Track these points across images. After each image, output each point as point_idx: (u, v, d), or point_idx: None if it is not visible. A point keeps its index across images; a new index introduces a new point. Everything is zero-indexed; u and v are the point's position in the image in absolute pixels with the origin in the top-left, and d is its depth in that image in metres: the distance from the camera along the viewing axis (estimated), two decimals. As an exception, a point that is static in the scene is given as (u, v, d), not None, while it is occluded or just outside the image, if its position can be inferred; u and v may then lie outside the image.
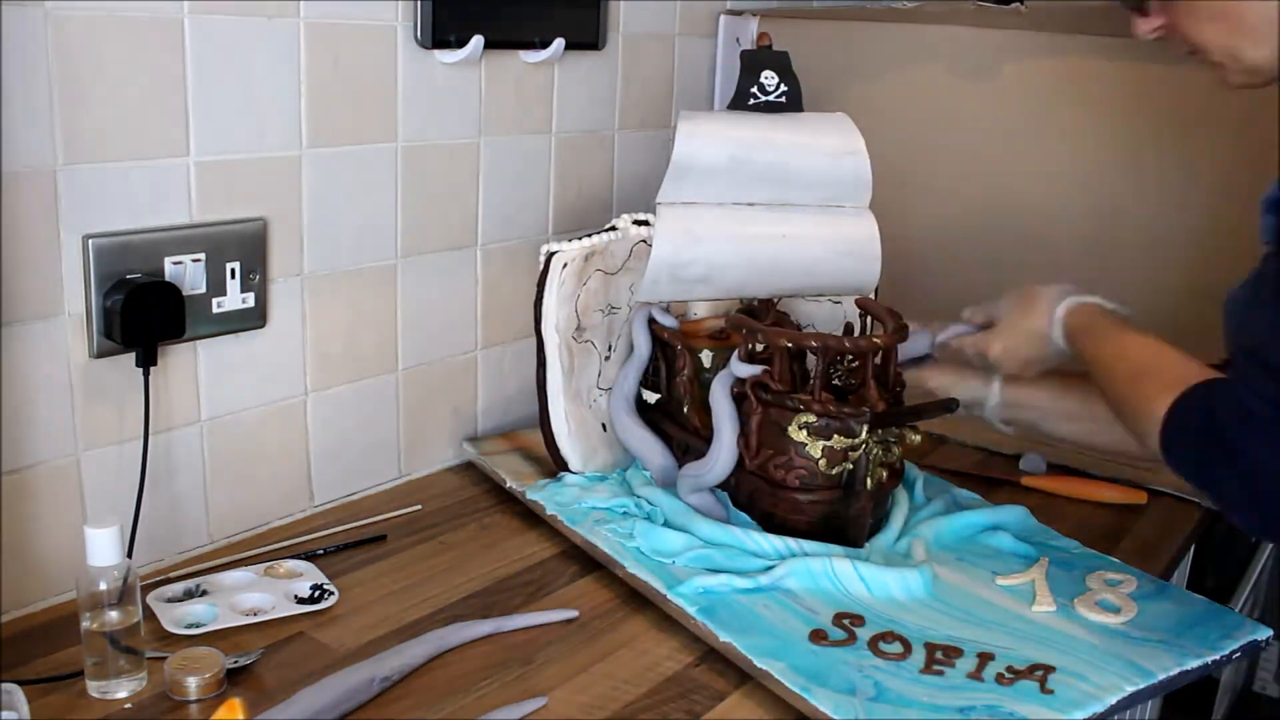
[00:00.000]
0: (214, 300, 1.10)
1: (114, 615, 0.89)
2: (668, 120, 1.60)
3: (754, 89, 1.21)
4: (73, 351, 1.01)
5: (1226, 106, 1.30)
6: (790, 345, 1.13)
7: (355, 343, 1.26)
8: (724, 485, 1.19)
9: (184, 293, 1.05)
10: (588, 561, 1.16)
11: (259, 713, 0.88)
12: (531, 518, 1.25)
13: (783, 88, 1.21)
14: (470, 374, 1.41)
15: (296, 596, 1.06)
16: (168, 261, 1.05)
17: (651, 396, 1.29)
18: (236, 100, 1.08)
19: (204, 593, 1.06)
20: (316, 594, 1.06)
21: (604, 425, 1.31)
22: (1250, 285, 1.00)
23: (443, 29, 1.23)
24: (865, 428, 1.10)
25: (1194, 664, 0.99)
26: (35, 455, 1.00)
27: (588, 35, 1.42)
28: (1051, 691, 0.94)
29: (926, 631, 1.02)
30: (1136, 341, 1.04)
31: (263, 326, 1.15)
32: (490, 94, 1.33)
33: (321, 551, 1.16)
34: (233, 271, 1.11)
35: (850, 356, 1.16)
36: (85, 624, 0.90)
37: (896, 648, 1.00)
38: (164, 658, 0.93)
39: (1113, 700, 0.94)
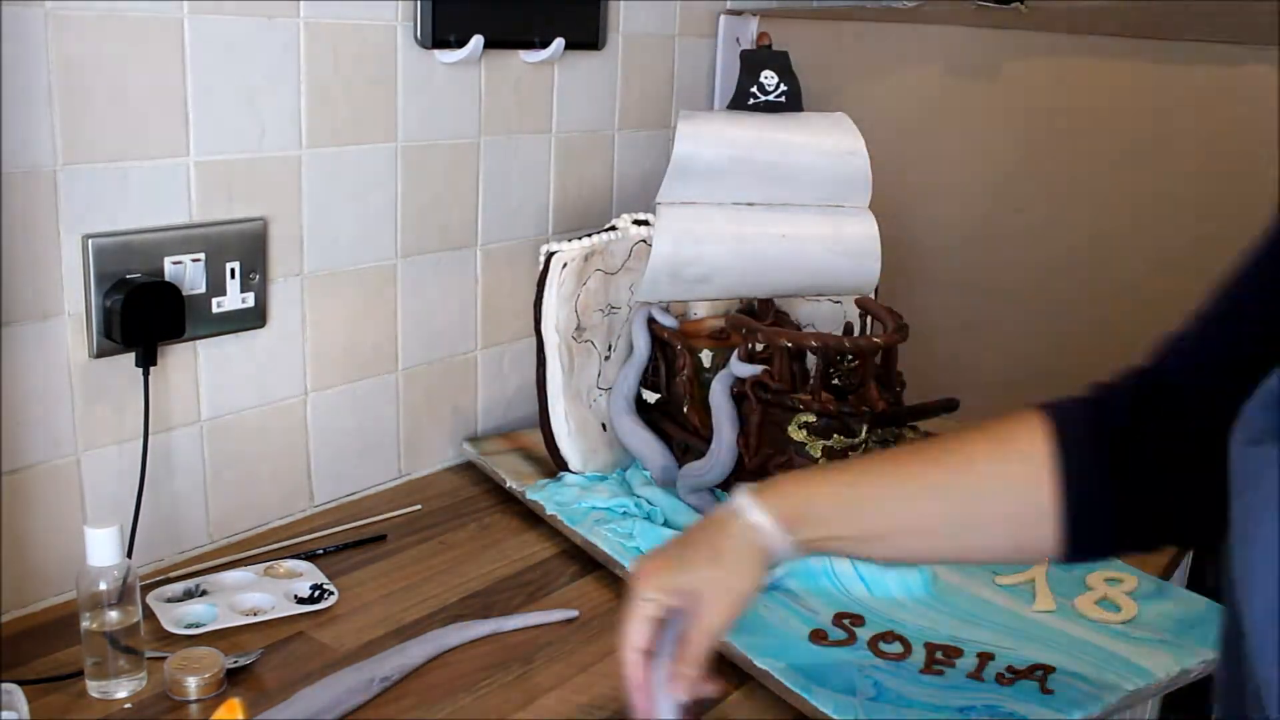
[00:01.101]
0: (214, 300, 1.10)
1: (114, 615, 0.89)
2: (668, 120, 1.60)
3: (754, 89, 1.21)
4: (73, 351, 1.01)
5: (1225, 106, 1.30)
6: (790, 345, 1.13)
7: (355, 343, 1.26)
8: (724, 485, 1.19)
9: (184, 293, 1.05)
10: (588, 561, 1.16)
11: (259, 713, 0.88)
12: (531, 518, 1.25)
13: (783, 87, 1.21)
14: (470, 374, 1.41)
15: (296, 596, 1.06)
16: (168, 261, 1.05)
17: (651, 396, 1.29)
18: (236, 100, 1.08)
19: (204, 593, 1.06)
20: (316, 594, 1.06)
21: (604, 425, 1.31)
22: None
23: (443, 29, 1.23)
24: (865, 428, 1.10)
25: (1194, 664, 0.99)
26: (35, 455, 1.00)
27: (588, 35, 1.42)
28: (1051, 691, 0.94)
29: (926, 631, 1.02)
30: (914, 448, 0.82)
31: (263, 326, 1.15)
32: (490, 94, 1.33)
33: (321, 551, 1.16)
34: (233, 271, 1.11)
35: (850, 356, 1.16)
36: (85, 624, 0.89)
37: (896, 648, 1.00)
38: (164, 658, 0.93)
39: (1113, 700, 0.94)
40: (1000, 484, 0.76)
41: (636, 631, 0.77)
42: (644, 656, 0.77)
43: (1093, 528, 0.74)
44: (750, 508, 0.78)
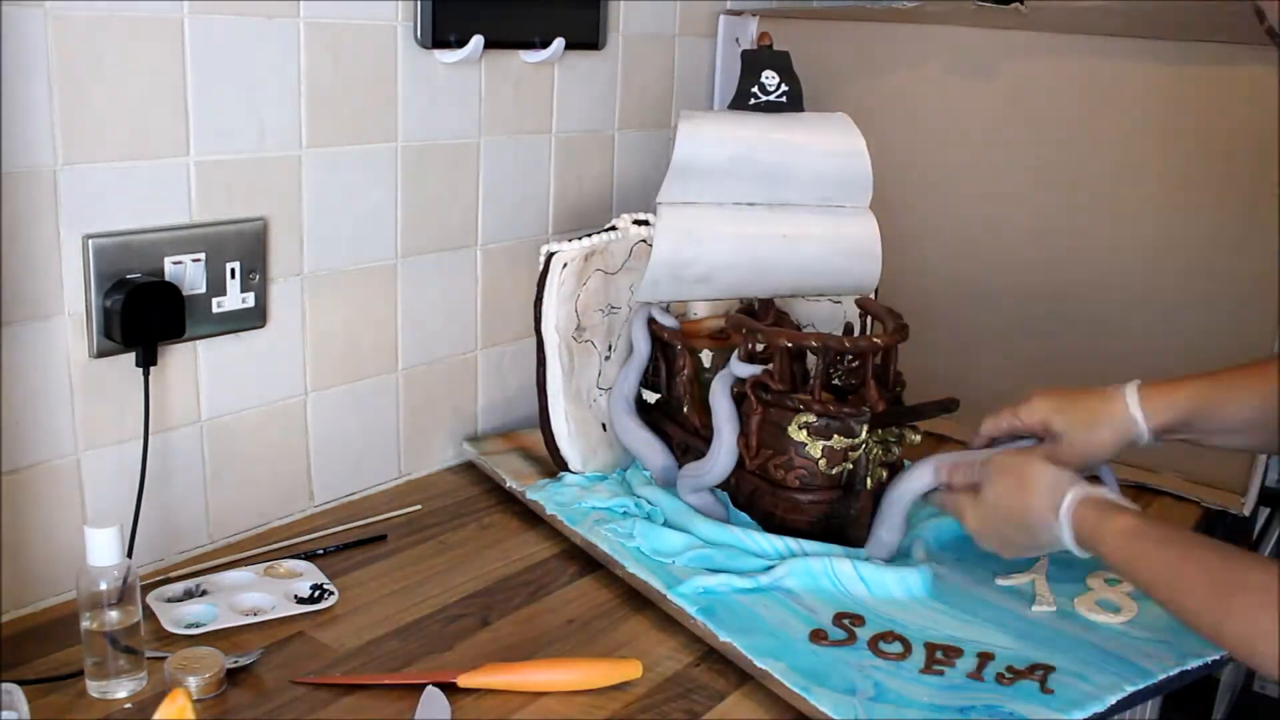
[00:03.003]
0: (214, 300, 1.10)
1: (114, 615, 0.89)
2: (668, 120, 1.60)
3: (755, 89, 1.21)
4: (73, 351, 1.01)
5: (1226, 107, 1.30)
6: (790, 345, 1.13)
7: (355, 343, 1.26)
8: (724, 485, 1.19)
9: (184, 293, 1.05)
10: (588, 561, 1.16)
11: (259, 712, 0.88)
12: (531, 518, 1.25)
13: (783, 88, 1.21)
14: (470, 374, 1.41)
15: (296, 596, 1.06)
16: (168, 261, 1.05)
17: (651, 396, 1.29)
18: (236, 100, 1.08)
19: (204, 593, 1.06)
20: (316, 594, 1.06)
21: (604, 425, 1.31)
22: None
23: (443, 29, 1.23)
24: (865, 428, 1.10)
25: (1194, 664, 0.99)
26: (35, 455, 1.00)
27: (588, 35, 1.42)
28: (1051, 691, 0.94)
29: (926, 631, 1.02)
30: (1180, 544, 0.90)
31: (263, 326, 1.15)
32: (490, 94, 1.33)
33: (321, 551, 1.16)
34: (233, 271, 1.11)
35: (850, 356, 1.16)
36: (85, 624, 0.90)
37: (896, 648, 1.00)
38: (164, 658, 0.93)
39: (1113, 700, 0.94)
40: None
41: (1001, 426, 1.11)
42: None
43: None
44: (1137, 409, 1.05)
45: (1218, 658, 1.00)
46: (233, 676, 0.94)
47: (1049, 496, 0.96)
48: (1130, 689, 0.95)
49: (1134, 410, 1.05)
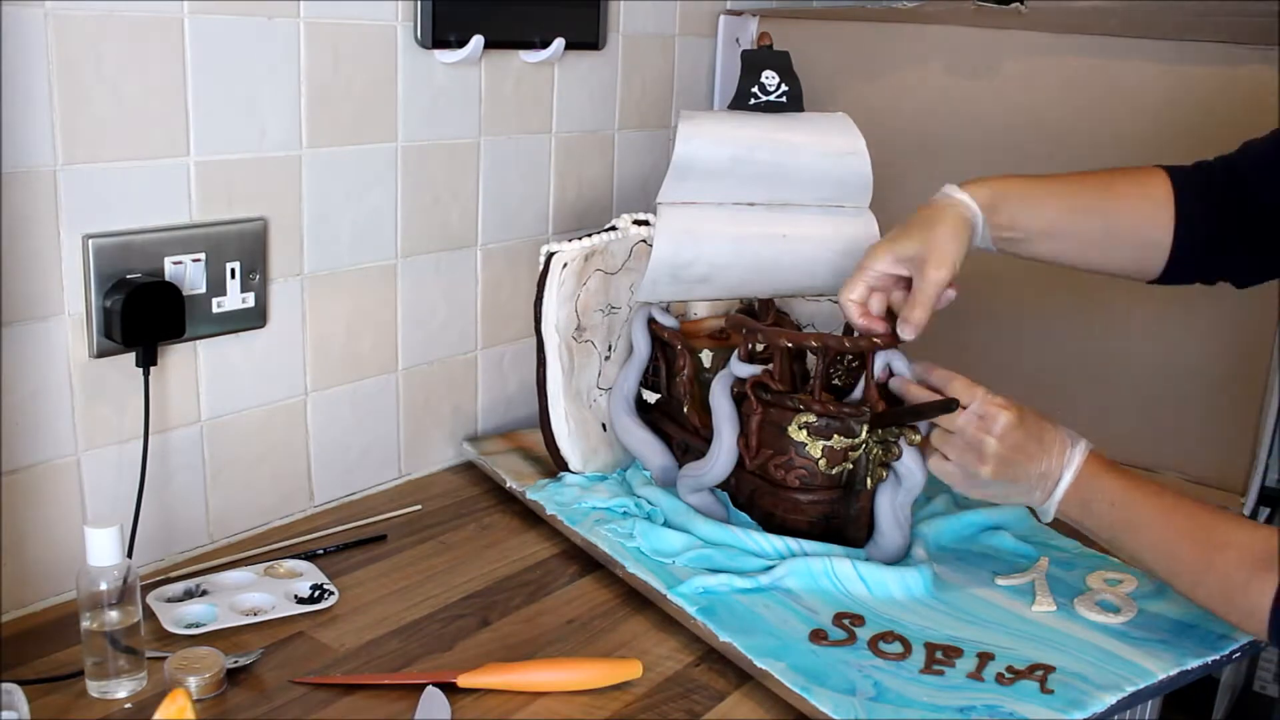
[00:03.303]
0: (214, 300, 1.10)
1: (114, 615, 0.89)
2: (668, 120, 1.60)
3: (755, 89, 1.21)
4: (73, 351, 1.01)
5: (1226, 107, 1.30)
6: (790, 345, 1.13)
7: (355, 343, 1.26)
8: (724, 485, 1.19)
9: (184, 293, 1.05)
10: (588, 561, 1.16)
11: (259, 712, 0.88)
12: (531, 518, 1.25)
13: (783, 88, 1.21)
14: (470, 374, 1.41)
15: (296, 596, 1.06)
16: (168, 261, 1.05)
17: (651, 396, 1.29)
18: (236, 100, 1.08)
19: (204, 593, 1.06)
20: (316, 594, 1.06)
21: (604, 425, 1.31)
22: None
23: (443, 29, 1.23)
24: (865, 428, 1.10)
25: (1194, 664, 0.99)
26: (35, 455, 1.00)
27: (588, 35, 1.42)
28: (1051, 691, 0.94)
29: (926, 631, 1.03)
30: (1166, 502, 0.97)
31: (263, 326, 1.15)
32: (490, 94, 1.33)
33: (321, 551, 1.16)
34: (233, 271, 1.11)
35: (850, 356, 1.16)
36: (85, 624, 0.90)
37: (896, 648, 1.00)
38: (164, 658, 0.93)
39: (1113, 700, 0.94)
40: (1137, 216, 1.07)
41: (857, 288, 1.06)
42: (859, 306, 1.06)
43: (1186, 261, 1.07)
44: (956, 191, 1.05)
45: (1218, 657, 1.00)
46: (233, 676, 0.94)
47: (1063, 450, 1.00)
48: (1130, 689, 0.95)
49: (956, 193, 1.05)
